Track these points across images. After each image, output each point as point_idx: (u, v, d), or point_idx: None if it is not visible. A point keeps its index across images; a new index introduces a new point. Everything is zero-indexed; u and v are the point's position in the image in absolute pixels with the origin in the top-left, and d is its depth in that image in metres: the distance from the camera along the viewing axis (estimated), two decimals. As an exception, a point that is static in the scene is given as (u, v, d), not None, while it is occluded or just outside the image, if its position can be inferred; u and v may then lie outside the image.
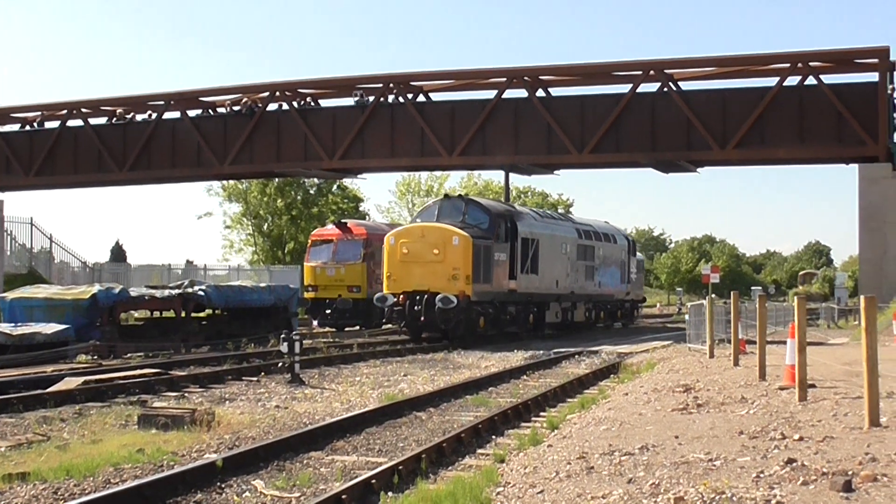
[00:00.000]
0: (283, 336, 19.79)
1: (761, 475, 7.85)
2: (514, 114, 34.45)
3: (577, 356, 25.78)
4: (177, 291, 28.61)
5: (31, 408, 15.21)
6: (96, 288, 26.74)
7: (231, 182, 60.37)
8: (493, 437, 13.11)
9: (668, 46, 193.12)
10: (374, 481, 9.68)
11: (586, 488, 8.11)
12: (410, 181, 76.80)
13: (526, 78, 34.21)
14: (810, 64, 30.91)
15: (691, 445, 9.54)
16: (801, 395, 12.13)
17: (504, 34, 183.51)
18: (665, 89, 32.55)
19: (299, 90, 37.59)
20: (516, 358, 24.99)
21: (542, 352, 26.76)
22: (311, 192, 64.66)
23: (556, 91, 35.18)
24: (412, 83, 36.23)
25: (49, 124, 41.35)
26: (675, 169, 35.49)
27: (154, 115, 39.18)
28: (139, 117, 40.04)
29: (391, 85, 35.94)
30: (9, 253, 40.92)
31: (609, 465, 8.97)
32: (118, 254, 63.79)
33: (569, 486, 8.30)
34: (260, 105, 37.51)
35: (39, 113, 41.73)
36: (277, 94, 37.34)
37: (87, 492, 9.57)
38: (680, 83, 33.02)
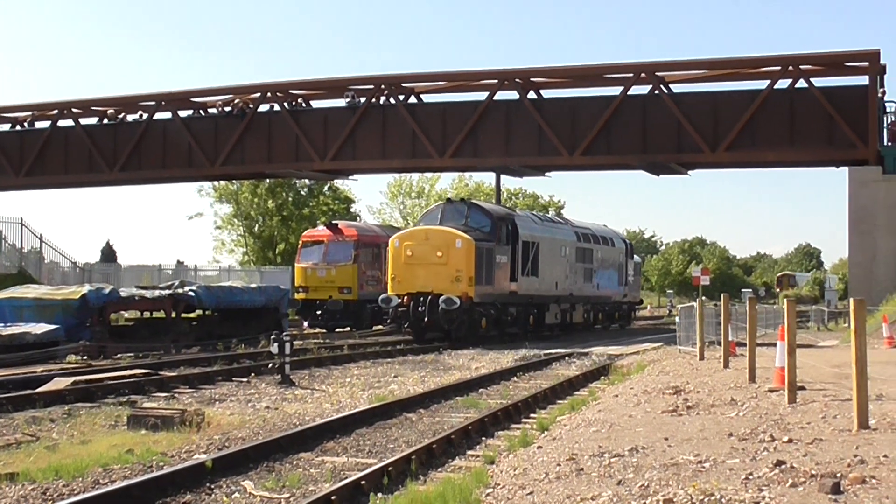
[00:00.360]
0: (273, 337, 19.73)
1: (750, 477, 7.86)
2: (505, 116, 34.51)
3: (567, 358, 25.79)
4: (167, 292, 28.54)
5: (20, 408, 15.15)
6: (86, 288, 26.66)
7: (222, 183, 60.31)
8: (483, 438, 13.10)
9: (659, 49, 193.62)
10: (363, 482, 9.67)
11: (576, 490, 8.11)
12: (402, 182, 76.70)
13: (517, 80, 34.27)
14: (801, 67, 31.03)
15: (681, 447, 9.55)
16: (791, 397, 12.15)
17: (495, 36, 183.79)
18: (656, 92, 32.65)
19: (291, 91, 37.61)
20: (507, 359, 24.97)
21: (533, 353, 26.76)
22: (303, 193, 64.61)
23: (547, 93, 35.27)
24: (404, 85, 36.28)
25: (39, 124, 41.32)
26: (666, 171, 35.60)
27: (145, 116, 39.16)
28: (130, 118, 40.02)
29: (383, 86, 35.98)
30: (-1, 253, 40.83)
31: (599, 466, 8.97)
32: (108, 254, 63.76)
33: (558, 488, 8.31)
34: (251, 106, 37.51)
35: (30, 113, 41.67)
36: (269, 95, 37.36)
37: (76, 492, 9.54)
38: (671, 85, 33.14)
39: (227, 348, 26.53)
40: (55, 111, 40.84)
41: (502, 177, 44.87)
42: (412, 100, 36.47)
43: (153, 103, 39.12)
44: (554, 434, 12.11)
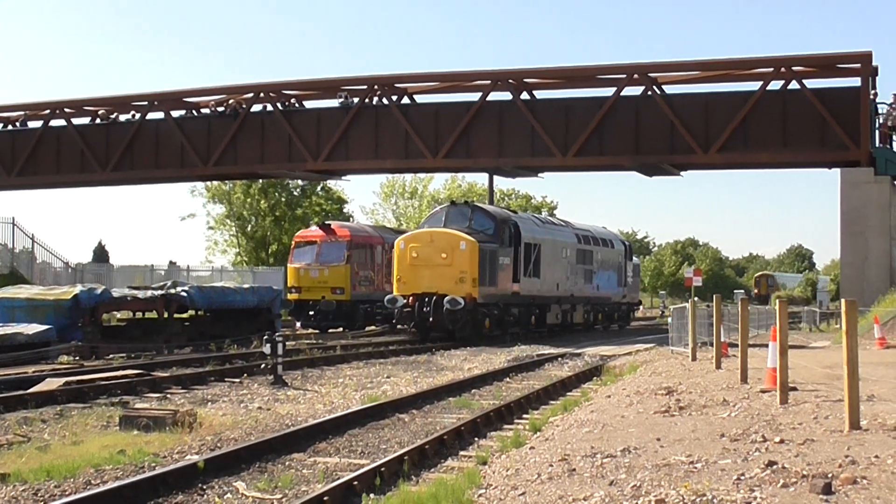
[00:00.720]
0: (266, 337, 19.74)
1: (742, 477, 7.87)
2: (498, 116, 34.53)
3: (560, 358, 25.80)
4: (159, 292, 28.51)
5: (11, 408, 15.12)
6: (78, 288, 26.62)
7: (215, 183, 60.24)
8: (476, 439, 13.11)
9: (652, 50, 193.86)
10: (356, 483, 9.67)
11: (568, 490, 8.12)
12: (395, 183, 76.73)
13: (510, 81, 34.30)
14: (793, 68, 31.09)
15: (673, 448, 9.56)
16: (783, 397, 12.17)
17: (489, 37, 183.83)
18: (649, 93, 32.69)
19: (284, 91, 37.59)
20: (500, 360, 24.98)
21: (526, 353, 26.78)
22: (295, 193, 64.54)
23: (540, 94, 35.31)
24: (397, 85, 36.28)
25: (32, 124, 41.20)
26: (658, 172, 35.65)
27: (137, 116, 39.10)
28: (122, 117, 39.95)
29: (376, 87, 35.98)
30: (-10, 253, 40.74)
31: (591, 467, 8.98)
32: (101, 254, 63.65)
33: (550, 488, 8.31)
34: (244, 106, 37.47)
35: (22, 113, 41.59)
36: (262, 95, 37.33)
37: (67, 493, 9.53)
38: (664, 87, 33.16)
39: (219, 349, 26.50)
40: (47, 111, 40.76)
41: (495, 177, 44.99)
42: (405, 100, 36.47)
43: (146, 103, 39.07)
44: (546, 435, 12.12)
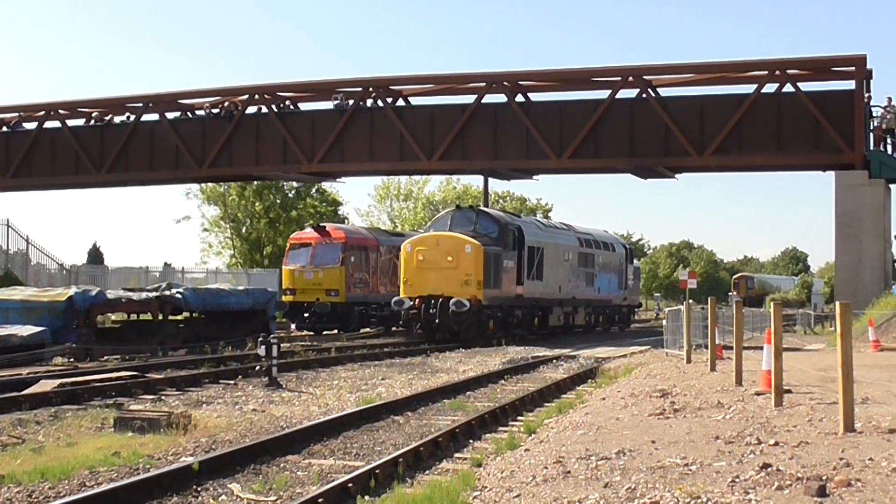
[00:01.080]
0: (260, 339, 19.72)
1: (737, 480, 7.88)
2: (493, 119, 34.57)
3: (555, 361, 25.81)
4: (154, 294, 28.47)
5: (5, 410, 15.10)
6: (73, 290, 26.58)
7: (209, 185, 60.19)
8: (471, 441, 13.10)
9: (647, 53, 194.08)
10: (350, 485, 9.67)
11: (563, 493, 8.12)
12: (389, 185, 76.75)
13: (505, 83, 34.33)
14: (788, 71, 31.15)
15: (668, 450, 9.57)
16: (777, 400, 12.19)
17: (484, 39, 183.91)
18: (644, 95, 32.75)
19: (279, 93, 37.60)
20: (494, 362, 24.98)
21: (520, 356, 26.78)
22: (290, 195, 64.50)
23: (535, 96, 35.34)
24: (392, 87, 36.30)
25: (26, 125, 41.16)
26: (653, 175, 35.69)
27: (132, 118, 39.08)
28: (117, 119, 39.92)
29: (371, 89, 36.00)
30: (-16, 255, 40.66)
31: (586, 469, 8.98)
32: (95, 256, 63.55)
33: (545, 491, 8.31)
34: (239, 108, 37.46)
35: (17, 114, 41.54)
36: (257, 97, 37.32)
37: (62, 495, 9.51)
38: (659, 89, 33.21)
39: (214, 351, 26.47)
40: (42, 112, 40.72)
41: (490, 180, 45.07)
42: (400, 102, 36.49)
43: (140, 105, 39.05)
44: (541, 437, 12.12)
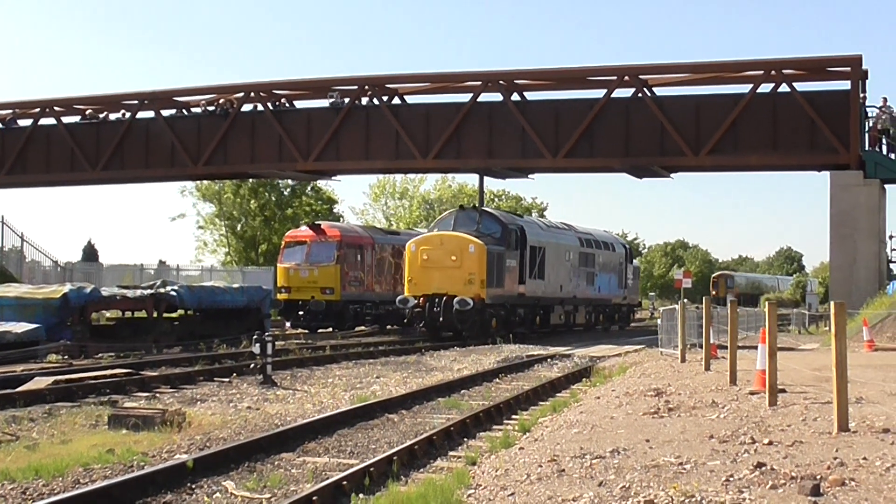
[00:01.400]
0: (255, 337, 19.70)
1: (731, 479, 7.89)
2: (488, 117, 34.56)
3: (550, 360, 25.81)
4: (149, 292, 28.46)
5: (0, 407, 15.08)
6: (67, 287, 26.55)
7: (205, 182, 60.14)
8: (465, 439, 13.11)
9: (642, 52, 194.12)
10: (345, 483, 9.67)
11: (557, 491, 8.13)
12: (385, 183, 76.78)
13: (501, 82, 34.33)
14: (783, 71, 31.17)
15: (662, 449, 9.58)
16: (772, 399, 12.20)
17: (479, 38, 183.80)
18: (639, 95, 32.75)
19: (274, 91, 37.55)
20: (489, 361, 24.98)
21: (515, 354, 26.79)
22: (285, 193, 64.50)
23: (531, 95, 35.35)
24: (387, 86, 36.27)
25: (21, 122, 41.07)
26: (648, 174, 35.71)
27: (128, 115, 39.01)
28: (112, 116, 39.85)
29: (366, 87, 35.97)
30: (-21, 252, 40.59)
31: (580, 468, 8.99)
32: (90, 253, 63.34)
33: (540, 489, 8.32)
34: (235, 105, 37.41)
35: (11, 111, 41.44)
36: (252, 94, 37.27)
37: (56, 492, 9.51)
38: (654, 89, 33.21)
39: (208, 348, 26.45)
40: (37, 109, 40.64)
41: (485, 178, 45.06)
42: (396, 101, 36.46)
43: (136, 102, 38.98)
44: (535, 435, 12.13)
